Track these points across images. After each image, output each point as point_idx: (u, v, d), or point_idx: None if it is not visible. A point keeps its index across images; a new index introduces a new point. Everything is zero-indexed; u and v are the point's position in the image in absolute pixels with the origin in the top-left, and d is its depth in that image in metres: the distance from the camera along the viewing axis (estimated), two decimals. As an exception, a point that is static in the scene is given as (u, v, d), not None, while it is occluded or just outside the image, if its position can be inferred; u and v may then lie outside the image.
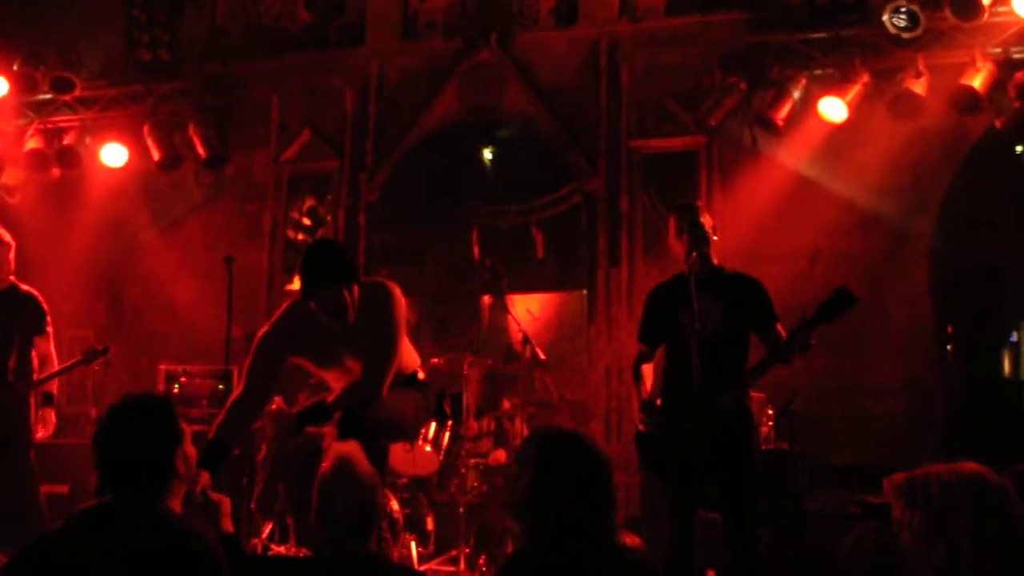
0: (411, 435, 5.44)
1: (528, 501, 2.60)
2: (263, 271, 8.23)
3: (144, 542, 2.70)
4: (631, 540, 2.60)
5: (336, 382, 4.78)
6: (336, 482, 3.25)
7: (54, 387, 6.19)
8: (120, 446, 2.83)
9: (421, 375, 5.00)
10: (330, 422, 4.62)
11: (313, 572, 3.34)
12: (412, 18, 8.31)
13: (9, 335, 6.18)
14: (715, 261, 4.77)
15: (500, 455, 6.98)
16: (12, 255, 6.30)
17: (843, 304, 4.45)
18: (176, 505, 2.94)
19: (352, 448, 3.45)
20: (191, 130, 8.38)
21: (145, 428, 2.85)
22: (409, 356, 4.99)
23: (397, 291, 4.63)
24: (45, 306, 6.33)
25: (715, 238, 4.78)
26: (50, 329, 6.30)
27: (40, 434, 6.11)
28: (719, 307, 4.66)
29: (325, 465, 3.36)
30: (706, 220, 4.80)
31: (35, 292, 6.34)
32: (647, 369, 4.82)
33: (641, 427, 4.64)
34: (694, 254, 4.66)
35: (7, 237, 6.35)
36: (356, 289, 4.35)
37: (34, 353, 6.26)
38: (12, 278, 6.32)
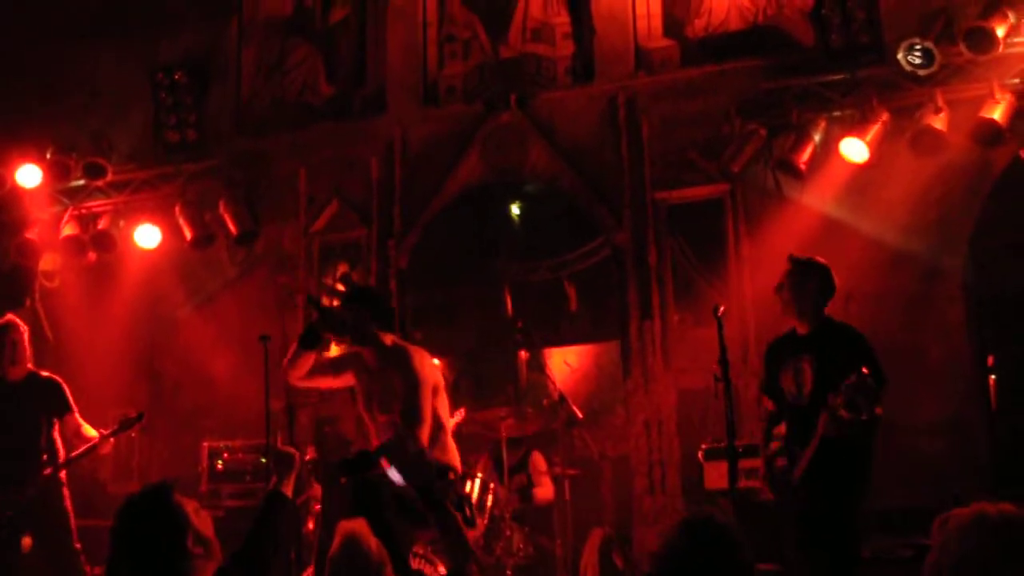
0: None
1: None
2: (299, 342, 8.29)
3: None
4: None
5: (369, 429, 5.39)
6: (345, 559, 3.33)
7: (105, 448, 6.28)
8: (128, 550, 3.00)
9: (451, 475, 5.18)
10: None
11: None
12: (432, 85, 8.44)
13: (36, 420, 6.29)
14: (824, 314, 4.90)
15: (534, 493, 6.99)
16: (27, 341, 6.41)
17: None
18: None
19: (359, 525, 3.53)
20: (221, 207, 8.51)
21: (146, 528, 3.00)
22: (444, 447, 5.20)
23: (419, 357, 5.23)
24: (66, 387, 6.43)
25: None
26: (75, 407, 6.38)
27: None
28: (812, 371, 4.75)
29: (334, 544, 3.45)
30: (811, 277, 4.93)
31: (55, 376, 6.46)
32: (778, 430, 4.94)
33: (767, 492, 4.85)
34: (792, 312, 4.85)
35: (21, 323, 6.47)
36: (378, 326, 5.21)
37: (58, 431, 6.35)
38: (30, 365, 6.44)
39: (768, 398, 5.06)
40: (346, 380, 5.49)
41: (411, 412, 5.04)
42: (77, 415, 6.35)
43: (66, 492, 6.26)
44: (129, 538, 3.00)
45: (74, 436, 6.29)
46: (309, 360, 5.32)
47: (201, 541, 3.07)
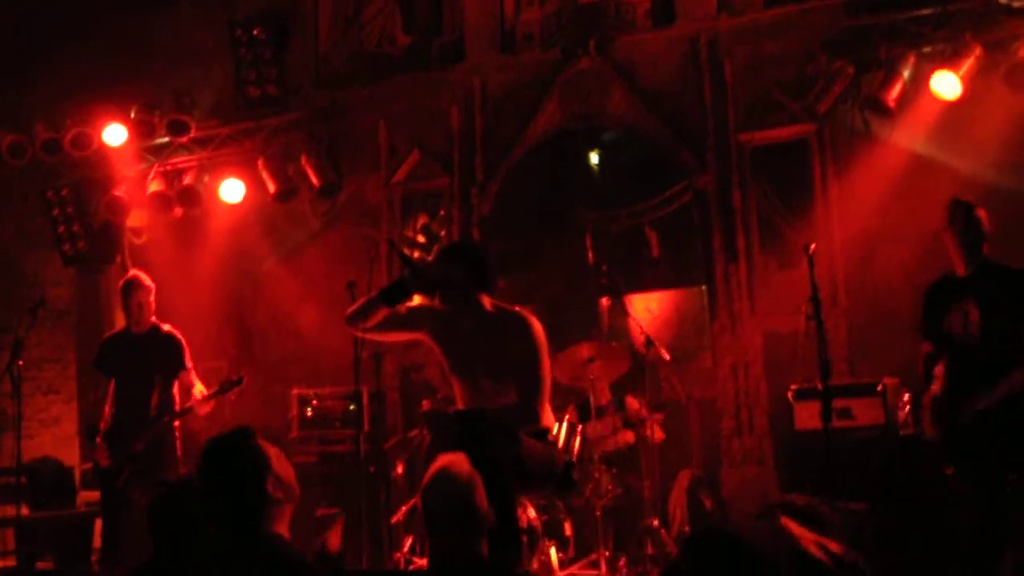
0: (536, 486, 5.19)
1: None
2: (383, 292, 8.40)
3: (249, 566, 2.97)
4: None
5: (463, 394, 5.04)
6: (433, 486, 3.40)
7: (204, 409, 6.49)
8: (211, 487, 3.13)
9: (552, 436, 5.13)
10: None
11: None
12: (509, 32, 8.40)
13: (151, 374, 6.51)
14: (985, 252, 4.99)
15: (628, 435, 6.99)
16: (152, 298, 6.64)
17: None
18: (283, 528, 3.15)
19: (455, 457, 3.58)
20: (303, 160, 8.62)
21: (229, 467, 3.12)
22: (547, 412, 5.14)
23: (538, 325, 4.92)
24: (184, 344, 6.63)
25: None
26: (190, 364, 6.60)
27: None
28: (979, 312, 4.82)
29: (429, 472, 3.50)
30: (980, 216, 5.04)
31: (175, 332, 6.66)
32: (939, 370, 4.98)
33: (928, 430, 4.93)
34: (959, 254, 4.96)
35: (147, 281, 6.68)
36: (478, 289, 4.85)
37: (177, 387, 6.58)
38: (153, 319, 6.67)
39: (927, 341, 5.09)
40: (414, 336, 5.20)
41: (532, 385, 4.82)
42: (192, 373, 6.56)
43: (179, 445, 6.48)
44: (213, 476, 3.11)
45: (185, 393, 6.50)
46: (383, 313, 4.92)
47: (281, 485, 3.16)
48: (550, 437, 5.17)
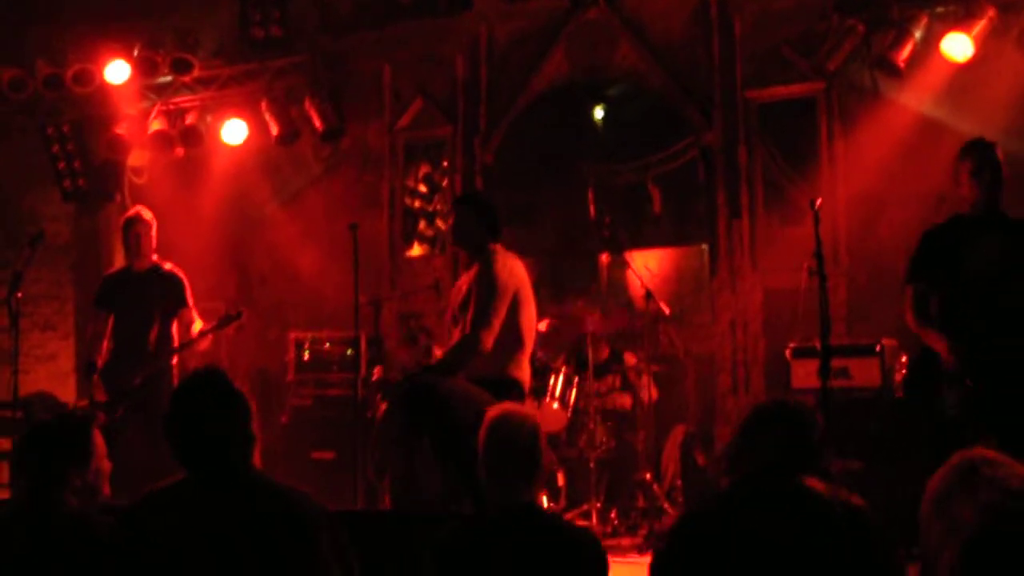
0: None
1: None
2: (383, 239, 8.39)
3: (242, 502, 2.86)
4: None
5: (452, 325, 5.31)
6: (497, 429, 3.33)
7: (203, 344, 6.48)
8: (199, 423, 2.92)
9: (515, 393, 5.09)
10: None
11: (479, 526, 3.37)
12: (519, -21, 8.31)
13: (151, 311, 6.50)
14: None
15: (625, 400, 7.05)
16: (153, 232, 6.61)
17: None
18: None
19: (509, 404, 3.55)
20: (307, 104, 8.54)
21: (226, 401, 2.94)
22: (519, 364, 5.15)
23: (509, 265, 5.10)
24: (186, 282, 6.61)
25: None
26: (192, 301, 6.59)
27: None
28: (998, 248, 4.65)
29: (488, 417, 3.45)
30: (998, 156, 4.80)
31: (176, 270, 6.63)
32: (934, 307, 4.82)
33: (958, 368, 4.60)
34: (983, 193, 4.70)
35: (147, 215, 6.64)
36: (491, 238, 5.17)
37: (176, 324, 6.56)
38: (155, 257, 6.64)
39: (915, 281, 4.92)
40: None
41: (479, 314, 4.93)
42: (192, 311, 6.54)
43: (176, 383, 6.45)
44: (204, 412, 2.94)
45: (186, 331, 6.49)
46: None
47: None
48: (523, 389, 5.18)
